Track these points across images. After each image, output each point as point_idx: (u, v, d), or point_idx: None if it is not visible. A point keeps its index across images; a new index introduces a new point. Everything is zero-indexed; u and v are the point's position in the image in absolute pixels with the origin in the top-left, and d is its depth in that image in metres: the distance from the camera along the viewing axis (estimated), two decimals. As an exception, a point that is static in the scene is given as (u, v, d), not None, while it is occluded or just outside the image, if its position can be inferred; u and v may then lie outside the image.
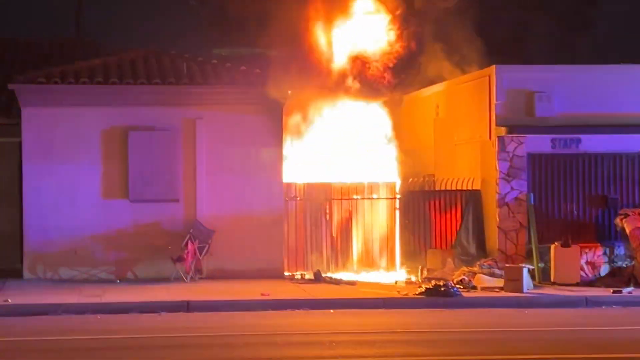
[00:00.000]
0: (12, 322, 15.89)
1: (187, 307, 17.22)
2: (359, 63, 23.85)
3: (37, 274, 20.91)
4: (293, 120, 23.73)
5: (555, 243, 19.78)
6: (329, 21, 24.12)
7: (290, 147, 23.53)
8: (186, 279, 20.42)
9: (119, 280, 20.77)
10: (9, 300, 17.45)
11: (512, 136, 20.69)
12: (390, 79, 24.10)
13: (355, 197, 22.36)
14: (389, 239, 22.49)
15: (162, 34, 25.20)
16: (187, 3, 32.28)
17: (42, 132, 21.15)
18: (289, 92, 21.83)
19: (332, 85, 23.82)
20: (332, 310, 17.09)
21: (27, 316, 16.43)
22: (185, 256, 20.55)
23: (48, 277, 20.88)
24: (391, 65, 23.99)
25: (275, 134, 21.76)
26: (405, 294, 18.56)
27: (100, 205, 21.20)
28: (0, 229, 21.64)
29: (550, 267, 19.77)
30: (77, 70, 21.72)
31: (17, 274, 20.84)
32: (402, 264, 22.09)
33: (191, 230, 20.82)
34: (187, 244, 20.56)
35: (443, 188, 22.05)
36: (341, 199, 22.28)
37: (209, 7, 30.42)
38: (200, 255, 20.73)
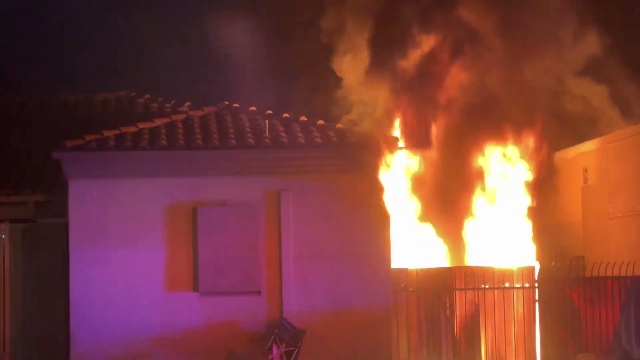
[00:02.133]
0: None
1: None
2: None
3: (85, 386, 20.73)
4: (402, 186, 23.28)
5: None
6: None
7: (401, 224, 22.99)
8: (272, 393, 20.05)
9: None
10: None
11: (685, 207, 20.32)
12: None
13: (483, 286, 21.42)
14: (526, 340, 21.36)
15: (238, 87, 24.60)
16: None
17: (92, 210, 20.89)
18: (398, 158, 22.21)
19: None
20: None
21: None
22: (271, 362, 19.87)
23: (101, 389, 20.74)
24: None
25: (381, 208, 21.29)
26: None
27: (164, 300, 20.88)
28: (42, 331, 21.33)
29: None
30: (136, 132, 21.65)
31: (63, 385, 20.75)
32: None
33: (276, 331, 20.33)
34: (271, 347, 20.16)
35: (596, 274, 21.15)
36: (465, 289, 21.32)
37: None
38: (289, 360, 20.08)
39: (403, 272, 21.64)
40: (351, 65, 24.85)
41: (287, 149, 21.24)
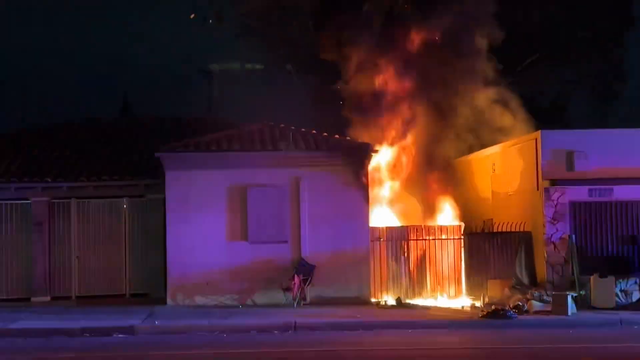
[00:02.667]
0: (160, 341, 15.97)
1: (295, 327, 17.13)
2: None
3: (177, 302, 20.96)
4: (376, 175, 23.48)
5: (594, 274, 19.51)
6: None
7: (377, 196, 23.31)
8: (293, 305, 20.40)
9: (241, 306, 20.79)
10: (157, 322, 17.66)
11: (555, 187, 20.50)
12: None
13: (428, 238, 22.09)
14: (456, 272, 22.13)
15: (275, 109, 25.47)
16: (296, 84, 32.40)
17: (181, 189, 21.25)
18: (373, 154, 21.79)
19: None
20: (410, 330, 16.99)
21: (170, 335, 16.57)
22: (292, 286, 20.58)
23: (186, 303, 20.85)
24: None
25: (362, 188, 21.59)
26: (470, 317, 18.44)
27: (226, 246, 21.27)
28: (152, 267, 21.72)
29: (590, 294, 19.44)
30: (208, 141, 21.91)
31: (163, 302, 20.91)
32: (467, 292, 21.72)
33: (297, 266, 20.94)
34: (293, 276, 20.63)
35: (500, 230, 21.76)
36: (416, 240, 22.03)
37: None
38: (304, 285, 20.75)
39: (377, 228, 21.97)
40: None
41: (303, 152, 21.57)
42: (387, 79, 23.78)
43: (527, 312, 18.69)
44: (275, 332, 16.87)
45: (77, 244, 21.87)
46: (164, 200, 21.37)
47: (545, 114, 30.87)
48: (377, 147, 22.29)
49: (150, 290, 21.65)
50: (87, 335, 16.54)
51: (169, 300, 20.96)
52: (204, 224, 21.17)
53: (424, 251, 22.02)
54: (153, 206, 21.84)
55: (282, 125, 23.16)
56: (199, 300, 20.98)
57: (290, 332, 16.95)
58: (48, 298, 21.42)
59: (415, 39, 23.76)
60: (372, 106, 23.85)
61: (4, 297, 21.25)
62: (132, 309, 19.91)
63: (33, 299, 21.35)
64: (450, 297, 21.73)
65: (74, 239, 21.85)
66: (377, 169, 23.63)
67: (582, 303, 19.25)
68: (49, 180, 21.59)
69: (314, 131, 22.92)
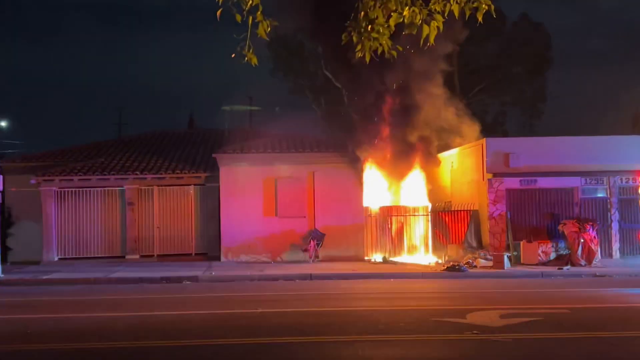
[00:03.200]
0: (215, 285, 16.22)
1: (310, 277, 17.34)
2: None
3: (227, 259, 20.97)
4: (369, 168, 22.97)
5: (523, 240, 19.63)
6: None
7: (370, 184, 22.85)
8: (310, 261, 20.45)
9: (273, 262, 20.74)
10: (213, 273, 17.90)
11: (496, 178, 20.53)
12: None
13: (405, 215, 21.91)
14: (425, 238, 21.93)
15: (298, 122, 25.27)
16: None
17: (230, 180, 21.20)
18: (363, 156, 21.55)
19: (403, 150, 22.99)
20: (392, 280, 17.16)
21: (223, 282, 16.77)
22: (309, 248, 20.64)
23: (234, 260, 20.85)
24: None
25: (358, 179, 21.51)
26: (435, 270, 18.59)
27: (262, 220, 21.17)
28: (210, 234, 21.59)
29: (520, 254, 19.56)
30: (249, 145, 21.87)
31: (217, 259, 20.97)
32: (433, 253, 21.64)
33: (312, 234, 20.95)
34: (310, 241, 20.68)
35: (456, 209, 21.69)
36: (397, 216, 21.87)
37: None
38: (318, 247, 20.79)
39: (368, 208, 21.75)
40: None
41: (316, 153, 21.49)
42: (372, 105, 23.28)
43: (475, 267, 18.81)
44: (297, 280, 17.07)
45: (158, 218, 21.79)
46: (218, 187, 21.35)
47: (489, 126, 31.42)
48: (366, 150, 22.03)
49: (209, 250, 21.59)
50: (165, 282, 16.84)
51: (222, 258, 21.00)
52: (246, 204, 21.10)
53: (402, 224, 21.83)
54: (211, 192, 21.73)
55: (302, 134, 23.04)
56: (243, 258, 20.98)
57: (307, 280, 17.15)
58: (137, 256, 21.44)
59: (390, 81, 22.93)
60: (365, 119, 23.46)
61: (107, 255, 21.48)
62: (196, 264, 20.17)
63: (127, 257, 21.49)
64: (421, 256, 21.69)
65: (155, 214, 21.79)
66: (371, 164, 23.09)
67: (515, 261, 19.39)
68: (138, 173, 21.69)
69: (324, 138, 22.96)
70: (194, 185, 21.93)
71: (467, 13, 4.48)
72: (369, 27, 4.42)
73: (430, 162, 23.60)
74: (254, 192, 21.23)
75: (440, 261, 20.26)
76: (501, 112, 34.41)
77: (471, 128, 23.93)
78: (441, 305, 12.56)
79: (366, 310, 11.75)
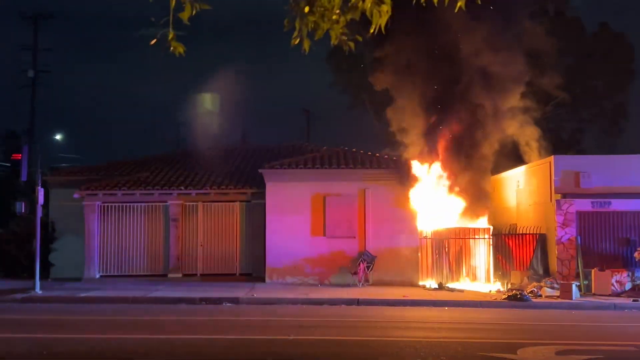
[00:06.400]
0: (255, 308, 16.14)
1: (357, 302, 17.04)
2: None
3: (272, 280, 20.89)
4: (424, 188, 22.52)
5: (595, 268, 18.74)
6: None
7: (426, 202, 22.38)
8: (359, 285, 20.14)
9: (320, 284, 20.58)
10: (255, 295, 17.79)
11: (565, 200, 19.76)
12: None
13: (465, 237, 21.47)
14: (486, 264, 21.31)
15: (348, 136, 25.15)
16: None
17: (276, 197, 21.18)
18: (417, 174, 21.24)
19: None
20: (446, 308, 16.65)
21: (264, 305, 16.62)
22: (358, 271, 20.33)
23: (279, 281, 20.77)
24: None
25: (411, 198, 21.10)
26: (495, 299, 17.92)
27: (309, 240, 21.04)
28: (255, 253, 21.59)
29: (591, 284, 18.69)
30: (297, 161, 21.95)
31: (262, 280, 20.93)
32: (494, 279, 21.02)
33: (362, 256, 20.64)
34: (359, 264, 20.36)
35: (521, 232, 21.00)
36: (455, 238, 21.45)
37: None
38: (368, 271, 20.47)
39: (423, 230, 21.40)
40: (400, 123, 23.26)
41: (368, 169, 21.26)
42: (433, 120, 22.87)
43: (540, 296, 18.10)
44: (342, 305, 16.70)
45: (202, 235, 21.84)
46: (264, 204, 21.36)
47: (565, 144, 30.55)
48: (423, 166, 21.71)
49: (254, 271, 21.50)
50: (204, 303, 16.75)
51: (267, 279, 20.90)
52: (293, 223, 21.02)
53: (461, 247, 21.33)
54: (256, 209, 21.74)
55: (354, 149, 22.98)
56: (289, 279, 20.82)
57: (354, 305, 16.75)
58: (180, 275, 21.50)
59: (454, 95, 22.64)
60: (425, 136, 23.07)
61: (148, 273, 21.65)
62: (239, 284, 20.08)
63: (169, 275, 21.63)
64: (481, 283, 21.05)
65: (199, 231, 21.86)
66: (427, 183, 22.65)
67: (585, 291, 18.55)
68: (182, 188, 21.81)
69: (377, 154, 22.64)
70: (240, 201, 21.93)
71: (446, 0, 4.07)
72: (306, 8, 3.95)
73: (492, 181, 23.10)
74: (301, 210, 21.11)
75: (502, 289, 19.62)
76: (578, 129, 33.09)
77: (540, 145, 23.44)
78: (492, 338, 11.90)
79: (407, 341, 11.22)
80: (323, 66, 30.61)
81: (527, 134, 23.40)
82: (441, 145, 22.50)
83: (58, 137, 36.75)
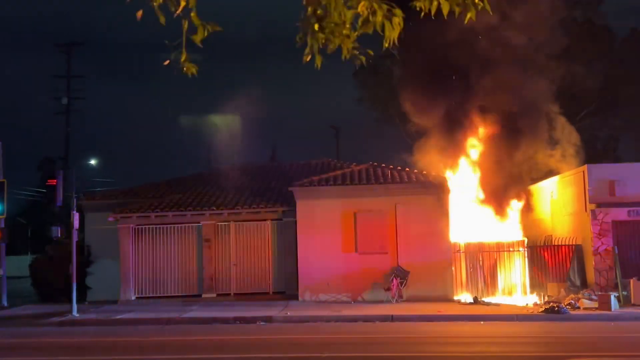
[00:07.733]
0: (288, 327, 16.17)
1: (392, 318, 17.02)
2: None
3: (305, 298, 20.82)
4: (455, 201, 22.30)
5: (633, 278, 18.40)
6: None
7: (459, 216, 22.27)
8: (392, 301, 20.04)
9: (353, 301, 20.48)
10: (288, 313, 17.84)
11: (600, 209, 19.56)
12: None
13: (499, 251, 21.17)
14: (522, 277, 21.02)
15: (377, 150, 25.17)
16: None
17: (307, 214, 21.16)
18: (449, 187, 21.09)
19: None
20: (482, 322, 16.46)
21: (297, 323, 16.66)
22: (391, 287, 20.22)
23: (312, 299, 20.71)
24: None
25: (444, 212, 20.86)
26: (531, 312, 17.68)
27: (341, 256, 20.89)
28: (288, 271, 21.55)
29: (630, 294, 18.33)
30: (327, 178, 21.94)
31: (295, 297, 20.88)
32: (530, 292, 20.73)
33: (395, 271, 20.51)
34: (392, 279, 20.25)
35: (557, 244, 20.82)
36: (489, 251, 21.18)
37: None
38: (401, 286, 20.33)
39: (457, 244, 21.10)
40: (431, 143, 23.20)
41: (398, 184, 21.08)
42: (464, 134, 22.96)
43: (577, 308, 17.81)
44: (376, 321, 16.64)
45: (234, 255, 21.96)
46: (295, 222, 21.38)
47: (599, 153, 30.41)
48: (456, 180, 21.61)
49: (287, 289, 21.46)
50: (238, 322, 16.87)
51: (300, 297, 20.86)
52: (325, 240, 20.95)
53: (495, 261, 21.08)
54: (288, 226, 21.72)
55: (383, 165, 22.92)
56: (322, 297, 20.74)
57: (388, 322, 16.69)
58: (214, 295, 21.61)
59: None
60: (455, 150, 23.15)
61: (183, 294, 21.84)
62: (272, 303, 20.17)
63: (203, 295, 21.68)
64: (517, 296, 20.73)
65: (232, 251, 21.97)
66: (460, 196, 22.42)
67: (624, 301, 18.18)
68: (214, 208, 21.92)
69: (407, 169, 22.57)
70: (271, 220, 22.02)
71: (457, 11, 4.10)
72: (316, 25, 4.03)
73: (526, 193, 22.89)
74: (332, 226, 21.04)
75: (538, 302, 19.37)
76: (612, 138, 32.78)
77: (574, 153, 23.22)
78: (532, 352, 11.81)
79: (439, 357, 11.20)
80: (352, 82, 30.71)
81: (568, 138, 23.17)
82: (472, 158, 22.54)
83: (92, 161, 37.45)
